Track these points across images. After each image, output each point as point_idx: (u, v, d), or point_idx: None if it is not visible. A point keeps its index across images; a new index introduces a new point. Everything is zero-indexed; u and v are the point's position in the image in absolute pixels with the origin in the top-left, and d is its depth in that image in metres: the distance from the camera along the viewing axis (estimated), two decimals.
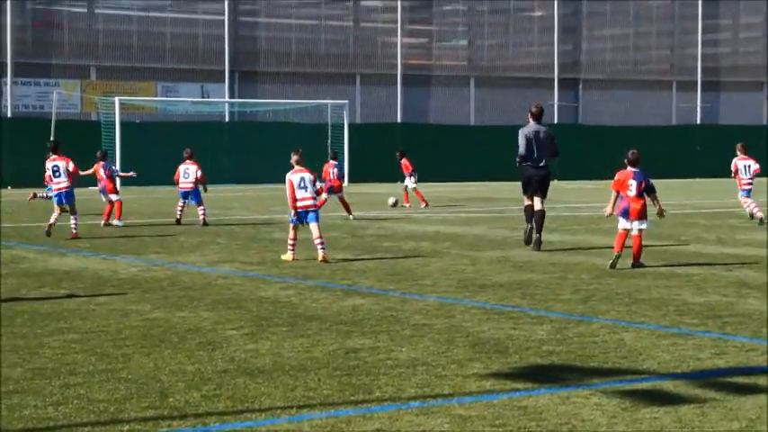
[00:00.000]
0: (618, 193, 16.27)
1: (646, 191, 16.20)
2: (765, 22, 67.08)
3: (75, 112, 52.09)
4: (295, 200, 17.31)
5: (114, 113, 45.82)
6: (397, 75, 57.47)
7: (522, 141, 19.34)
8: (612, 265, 15.96)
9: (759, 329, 10.94)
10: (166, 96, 54.30)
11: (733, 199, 28.72)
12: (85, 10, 54.57)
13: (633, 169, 16.20)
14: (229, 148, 49.54)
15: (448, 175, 49.93)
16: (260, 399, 8.11)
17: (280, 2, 57.96)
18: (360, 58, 58.19)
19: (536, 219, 19.32)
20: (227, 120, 53.77)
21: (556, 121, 59.00)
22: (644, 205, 16.20)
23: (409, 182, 32.91)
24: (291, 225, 17.50)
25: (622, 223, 16.23)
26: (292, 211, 17.41)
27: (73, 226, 21.50)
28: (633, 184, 16.11)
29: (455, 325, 11.22)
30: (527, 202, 19.62)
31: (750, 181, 25.72)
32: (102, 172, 25.37)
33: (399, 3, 57.27)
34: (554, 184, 24.22)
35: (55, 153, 21.93)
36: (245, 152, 49.36)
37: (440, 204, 33.15)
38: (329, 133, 49.79)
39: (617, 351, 9.81)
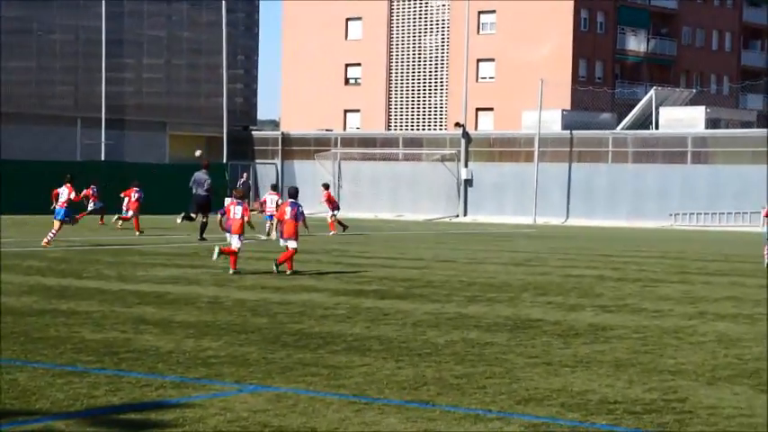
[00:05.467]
0: (280, 219, 22.18)
1: (296, 217, 21.72)
2: (166, 65, 69.04)
3: None
4: None
5: None
6: None
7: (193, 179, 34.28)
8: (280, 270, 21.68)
9: (154, 365, 11.10)
10: None
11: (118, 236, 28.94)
12: None
13: (290, 200, 21.96)
14: None
15: None
16: None
17: None
18: None
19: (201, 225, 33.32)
20: None
21: None
22: (296, 228, 21.80)
23: None
24: None
25: (282, 242, 22.01)
26: None
27: None
28: (288, 210, 21.82)
29: None
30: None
31: None
32: None
33: None
34: None
35: None
36: None
37: None
38: None
39: (9, 392, 9.49)
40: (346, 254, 28.86)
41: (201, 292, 18.28)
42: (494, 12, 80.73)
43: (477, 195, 64.17)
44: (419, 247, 33.69)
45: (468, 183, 64.45)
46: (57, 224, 29.38)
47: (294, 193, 22.40)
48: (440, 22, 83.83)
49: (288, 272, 21.92)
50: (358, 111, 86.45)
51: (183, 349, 12.16)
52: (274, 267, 21.95)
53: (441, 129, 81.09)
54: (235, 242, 22.31)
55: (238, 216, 22.35)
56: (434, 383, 10.38)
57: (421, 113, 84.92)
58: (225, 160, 65.70)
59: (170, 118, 68.72)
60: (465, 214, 64.16)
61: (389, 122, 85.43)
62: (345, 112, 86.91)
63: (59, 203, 29.87)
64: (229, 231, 22.50)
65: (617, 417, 9.03)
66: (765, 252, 27.34)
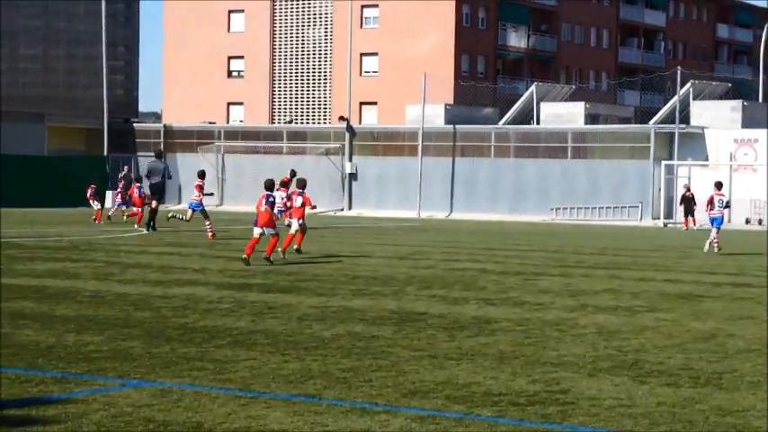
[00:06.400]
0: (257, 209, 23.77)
1: (270, 204, 23.49)
2: (43, 55, 67.73)
3: None
4: None
5: None
6: None
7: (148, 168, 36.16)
8: (247, 263, 22.59)
9: (35, 360, 10.89)
10: None
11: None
12: None
13: (266, 192, 23.67)
14: None
15: None
16: None
17: None
18: None
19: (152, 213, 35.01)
20: None
21: None
22: (270, 216, 23.47)
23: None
24: None
25: (256, 231, 23.51)
26: None
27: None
28: (264, 201, 23.58)
29: None
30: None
31: None
32: None
33: None
34: None
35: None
36: None
37: None
38: None
39: None
40: (229, 247, 28.67)
41: (82, 286, 18.00)
42: (377, 6, 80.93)
43: (362, 189, 64.31)
44: (303, 241, 33.61)
45: (353, 176, 64.57)
46: (189, 212, 34.07)
47: (270, 185, 24.21)
48: (323, 16, 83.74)
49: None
50: (241, 104, 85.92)
51: (63, 344, 11.95)
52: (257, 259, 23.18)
53: (325, 122, 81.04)
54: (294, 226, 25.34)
55: (298, 204, 25.50)
56: (321, 377, 10.37)
57: (305, 107, 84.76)
58: (106, 153, 64.76)
59: (48, 109, 67.44)
60: (350, 208, 64.26)
61: (273, 116, 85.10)
62: (229, 104, 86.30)
63: (194, 197, 34.00)
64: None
65: (501, 408, 9.13)
66: (714, 237, 30.60)
